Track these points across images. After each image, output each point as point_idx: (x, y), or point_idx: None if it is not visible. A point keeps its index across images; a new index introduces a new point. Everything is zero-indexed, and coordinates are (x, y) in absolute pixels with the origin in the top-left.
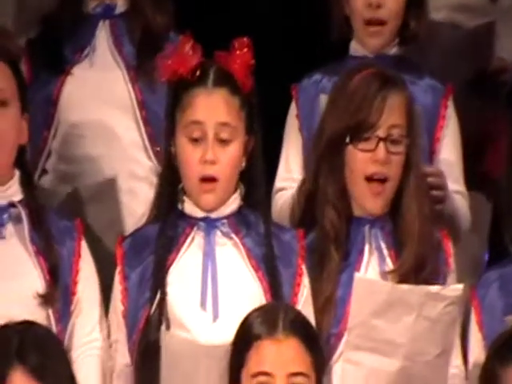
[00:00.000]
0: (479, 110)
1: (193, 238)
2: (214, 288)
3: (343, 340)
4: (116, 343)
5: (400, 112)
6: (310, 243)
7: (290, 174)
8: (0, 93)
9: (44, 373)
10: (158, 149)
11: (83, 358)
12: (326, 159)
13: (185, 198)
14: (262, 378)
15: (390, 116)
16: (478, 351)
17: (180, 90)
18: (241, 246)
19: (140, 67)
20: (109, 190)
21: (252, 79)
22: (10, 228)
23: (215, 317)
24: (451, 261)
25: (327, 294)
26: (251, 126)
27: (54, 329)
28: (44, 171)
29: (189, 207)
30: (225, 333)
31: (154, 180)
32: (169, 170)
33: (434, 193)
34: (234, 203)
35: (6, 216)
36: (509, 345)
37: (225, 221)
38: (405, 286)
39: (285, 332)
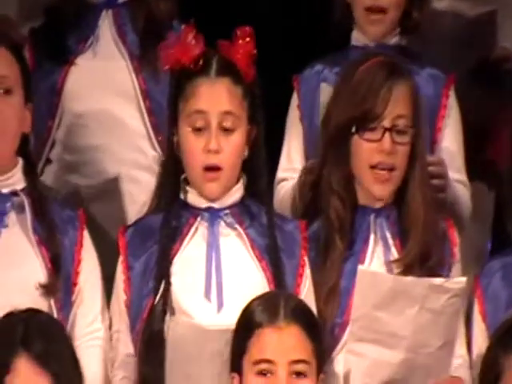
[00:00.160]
0: (482, 99)
1: (196, 229)
2: (218, 278)
3: (347, 330)
4: (118, 333)
5: (406, 102)
6: (314, 232)
7: (291, 164)
8: (4, 80)
9: (49, 360)
10: (160, 138)
11: (85, 348)
12: (331, 149)
13: (188, 188)
14: (263, 366)
15: (396, 106)
16: (481, 341)
17: (183, 80)
18: (244, 237)
19: (143, 57)
20: (112, 180)
21: (254, 69)
22: (12, 217)
23: (220, 307)
24: (456, 250)
25: (331, 283)
26: (254, 116)
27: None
28: (48, 161)
29: (192, 197)
30: (229, 322)
31: (158, 169)
32: (171, 160)
33: (435, 182)
34: (237, 193)
35: (8, 205)
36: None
37: (228, 211)
38: (408, 279)
39: (286, 320)
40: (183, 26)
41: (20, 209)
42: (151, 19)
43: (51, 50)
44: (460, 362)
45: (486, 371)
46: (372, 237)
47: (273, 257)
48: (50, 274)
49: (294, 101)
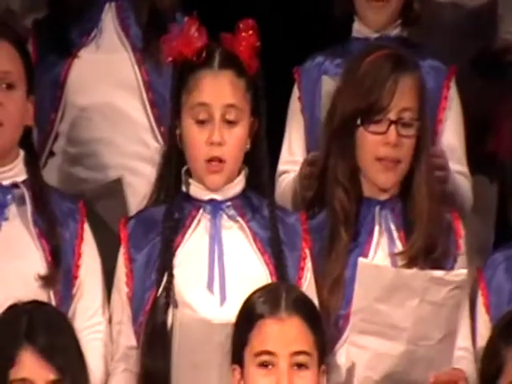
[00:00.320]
0: (483, 90)
1: (199, 221)
2: (220, 271)
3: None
4: (120, 325)
5: (411, 95)
6: (319, 224)
7: (292, 156)
8: (7, 76)
9: (53, 353)
10: (163, 130)
11: (86, 341)
12: (336, 140)
13: (190, 180)
14: (265, 357)
15: (402, 99)
16: (485, 333)
17: (186, 72)
18: (247, 229)
19: (146, 49)
20: (115, 172)
21: (257, 61)
22: (13, 209)
23: (222, 300)
24: (461, 242)
25: (336, 274)
26: (256, 108)
27: None
28: (51, 153)
29: (194, 189)
30: (232, 315)
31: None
32: (173, 152)
33: (436, 173)
34: (238, 185)
35: (9, 197)
36: None
37: (230, 203)
38: (409, 271)
39: (287, 311)
40: (186, 19)
41: (21, 201)
42: (154, 12)
43: (54, 42)
44: (462, 354)
45: (487, 363)
46: (377, 228)
47: (275, 250)
48: (50, 266)
49: (295, 93)
